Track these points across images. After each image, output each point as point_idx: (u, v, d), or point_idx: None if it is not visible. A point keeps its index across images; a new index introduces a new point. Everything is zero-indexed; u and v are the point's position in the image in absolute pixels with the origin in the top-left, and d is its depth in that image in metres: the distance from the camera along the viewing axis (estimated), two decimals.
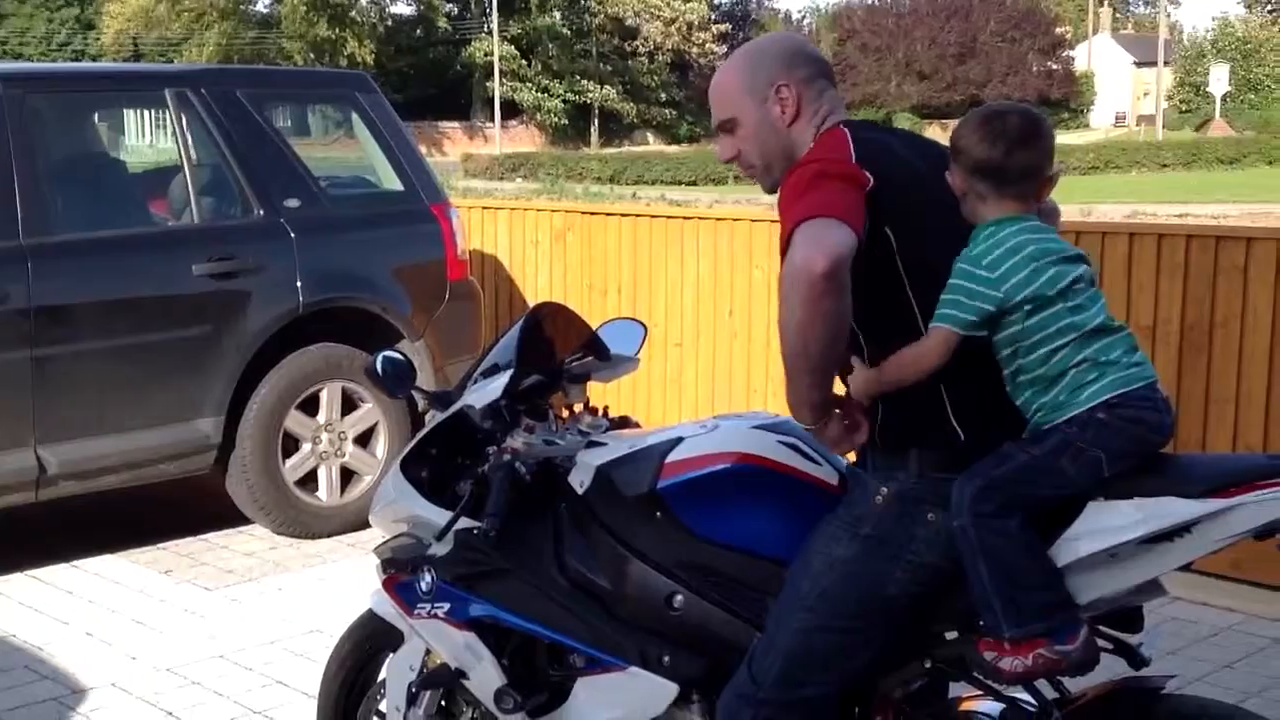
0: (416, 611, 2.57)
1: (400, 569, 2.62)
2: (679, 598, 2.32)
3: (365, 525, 5.28)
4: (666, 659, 2.32)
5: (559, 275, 6.54)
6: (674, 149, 50.64)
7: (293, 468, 5.15)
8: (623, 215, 6.43)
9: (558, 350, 2.65)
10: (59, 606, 4.53)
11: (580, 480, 2.45)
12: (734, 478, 2.36)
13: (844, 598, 2.14)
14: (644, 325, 2.79)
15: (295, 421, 5.14)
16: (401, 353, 2.72)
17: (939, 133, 51.03)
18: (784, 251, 2.04)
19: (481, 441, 2.52)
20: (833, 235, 1.98)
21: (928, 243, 2.12)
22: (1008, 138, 2.09)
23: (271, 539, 5.20)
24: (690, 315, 6.08)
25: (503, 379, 2.49)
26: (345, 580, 4.79)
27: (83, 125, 5.54)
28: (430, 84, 55.45)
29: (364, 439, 5.34)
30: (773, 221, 5.98)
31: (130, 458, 4.81)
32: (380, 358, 2.69)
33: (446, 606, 2.52)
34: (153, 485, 5.10)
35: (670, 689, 2.32)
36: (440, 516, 2.52)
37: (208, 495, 5.34)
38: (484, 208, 6.96)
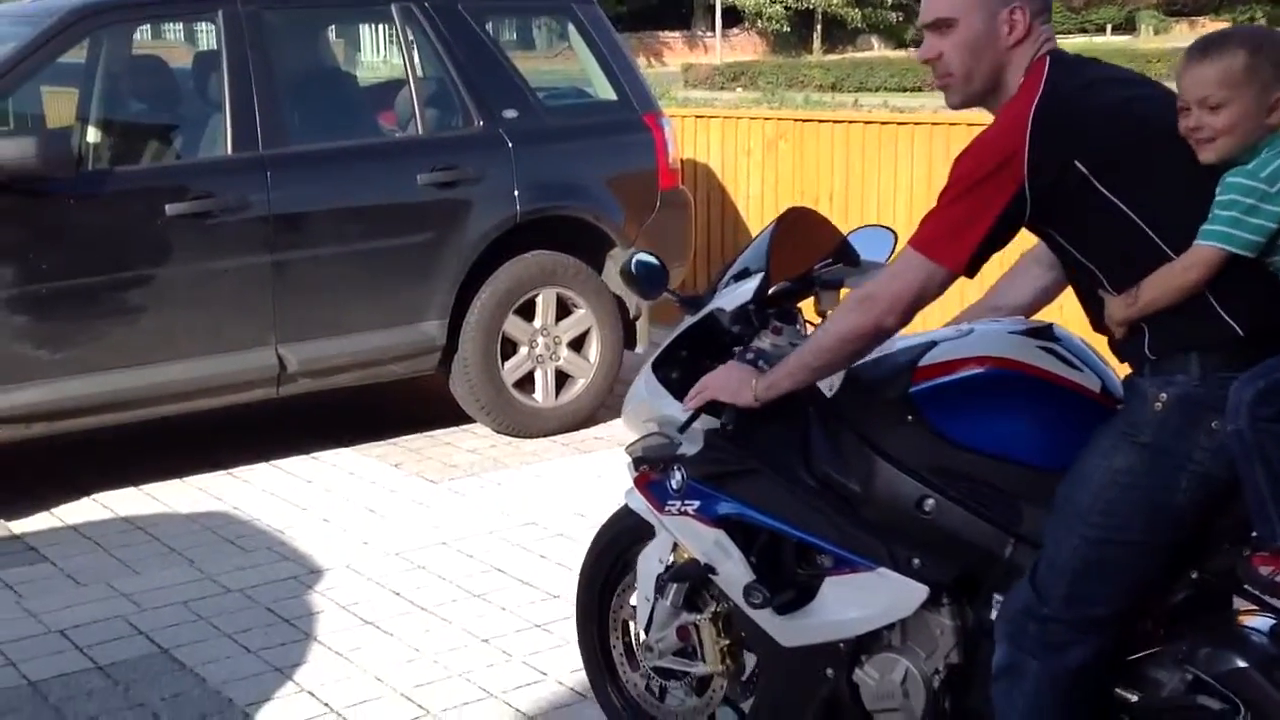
0: (667, 508, 2.61)
1: (651, 467, 2.68)
2: (929, 501, 2.31)
3: (579, 426, 5.49)
4: (916, 561, 2.31)
5: (770, 184, 6.54)
6: (899, 54, 49.13)
7: (511, 370, 5.37)
8: (835, 122, 6.37)
9: (808, 255, 2.63)
10: (298, 494, 4.88)
11: (829, 383, 2.45)
12: (989, 382, 2.33)
13: (1129, 510, 2.09)
14: (894, 232, 2.73)
15: (513, 326, 5.34)
16: (655, 255, 2.74)
17: (1187, 30, 47.90)
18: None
19: (730, 344, 2.56)
20: (921, 287, 2.18)
21: (1133, 161, 2.09)
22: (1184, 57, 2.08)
23: (492, 437, 5.45)
24: (904, 223, 5.95)
25: (753, 283, 2.52)
26: (559, 477, 4.99)
27: (315, 41, 5.81)
28: None
29: (577, 344, 5.50)
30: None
31: (362, 357, 5.10)
32: (634, 260, 2.72)
33: (696, 504, 2.55)
34: (383, 384, 5.40)
35: (920, 591, 2.32)
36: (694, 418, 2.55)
37: (433, 395, 5.62)
38: (696, 117, 6.99)
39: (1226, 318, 2.05)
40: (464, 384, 5.34)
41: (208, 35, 5.61)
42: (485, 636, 3.71)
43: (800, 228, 2.64)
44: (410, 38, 5.33)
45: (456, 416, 5.51)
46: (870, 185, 6.09)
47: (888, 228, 2.76)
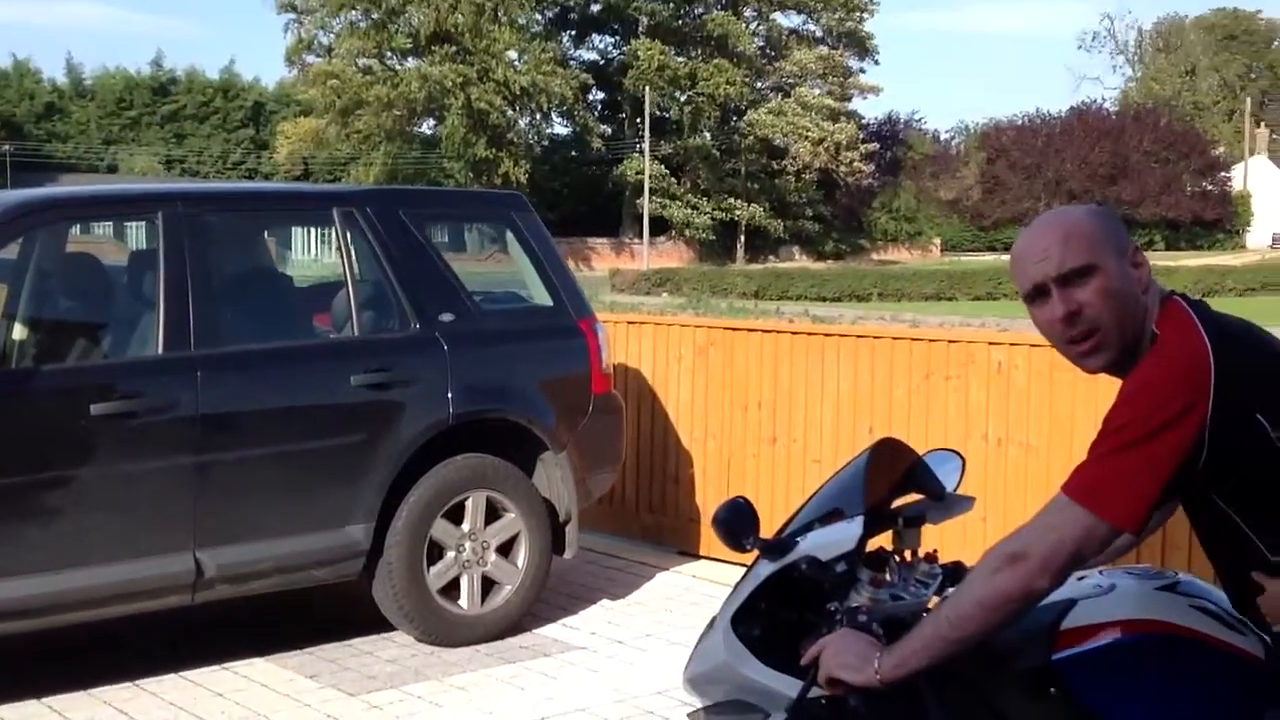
0: None
1: None
2: None
3: (504, 634, 5.35)
4: None
5: (701, 389, 6.60)
6: (818, 266, 50.81)
7: (436, 575, 5.24)
8: (764, 331, 6.48)
9: (882, 484, 2.40)
10: (207, 708, 4.66)
11: None
12: (1143, 649, 2.09)
13: None
14: (961, 456, 2.52)
15: (440, 530, 5.25)
16: (745, 500, 2.37)
17: None
18: (1076, 473, 1.98)
19: (819, 596, 2.27)
20: (1080, 544, 1.96)
21: None
22: None
23: (413, 646, 5.29)
24: (830, 432, 6.06)
25: (853, 529, 2.25)
26: (482, 689, 4.84)
27: (253, 242, 5.84)
28: (583, 201, 57.00)
29: (505, 548, 5.42)
30: (914, 339, 6.00)
31: (284, 562, 4.95)
32: (727, 505, 2.37)
33: None
34: (303, 589, 5.24)
35: None
36: (782, 683, 2.23)
37: (354, 600, 5.47)
38: (629, 322, 7.09)
39: None
40: (387, 590, 5.21)
41: (139, 232, 5.64)
42: None
43: (884, 460, 2.38)
44: (350, 241, 5.39)
45: (377, 624, 5.35)
46: (799, 393, 6.17)
47: (955, 451, 2.56)
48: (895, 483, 2.42)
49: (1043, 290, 2.06)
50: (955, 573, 2.33)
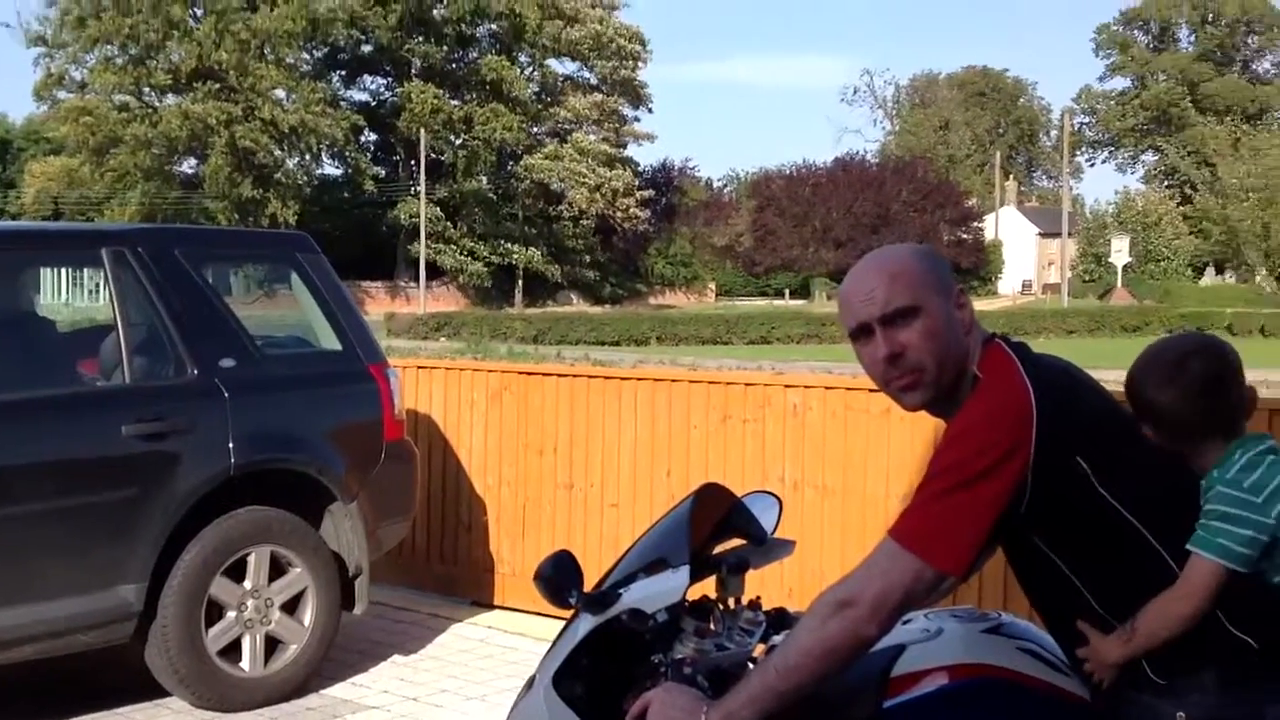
0: None
1: None
2: None
3: (289, 696, 5.08)
4: None
5: (495, 435, 6.46)
6: (597, 310, 51.24)
7: (216, 637, 4.93)
8: (559, 375, 6.40)
9: (702, 529, 2.32)
10: None
11: None
12: (971, 694, 2.08)
13: None
14: (778, 498, 2.48)
15: (220, 588, 4.95)
16: (568, 554, 2.27)
17: None
18: (902, 518, 1.97)
19: (643, 649, 2.18)
20: (908, 589, 1.95)
21: (1129, 463, 2.00)
22: (1199, 393, 2.03)
23: (191, 712, 4.95)
24: (627, 476, 6.02)
25: (679, 579, 2.15)
26: None
27: (12, 284, 5.41)
28: (356, 244, 55.75)
29: (291, 605, 5.15)
30: (710, 382, 6.03)
31: (49, 627, 4.56)
32: (550, 560, 2.27)
33: None
34: (69, 654, 4.85)
35: None
36: None
37: (125, 664, 5.09)
38: (419, 367, 6.89)
39: (1237, 633, 1.95)
40: (161, 654, 4.86)
41: None
42: None
43: (705, 506, 2.30)
44: (120, 282, 5.04)
45: (152, 689, 4.99)
46: (594, 437, 6.11)
47: (771, 493, 2.52)
48: (716, 528, 2.35)
49: (867, 330, 2.06)
50: (779, 620, 2.29)
